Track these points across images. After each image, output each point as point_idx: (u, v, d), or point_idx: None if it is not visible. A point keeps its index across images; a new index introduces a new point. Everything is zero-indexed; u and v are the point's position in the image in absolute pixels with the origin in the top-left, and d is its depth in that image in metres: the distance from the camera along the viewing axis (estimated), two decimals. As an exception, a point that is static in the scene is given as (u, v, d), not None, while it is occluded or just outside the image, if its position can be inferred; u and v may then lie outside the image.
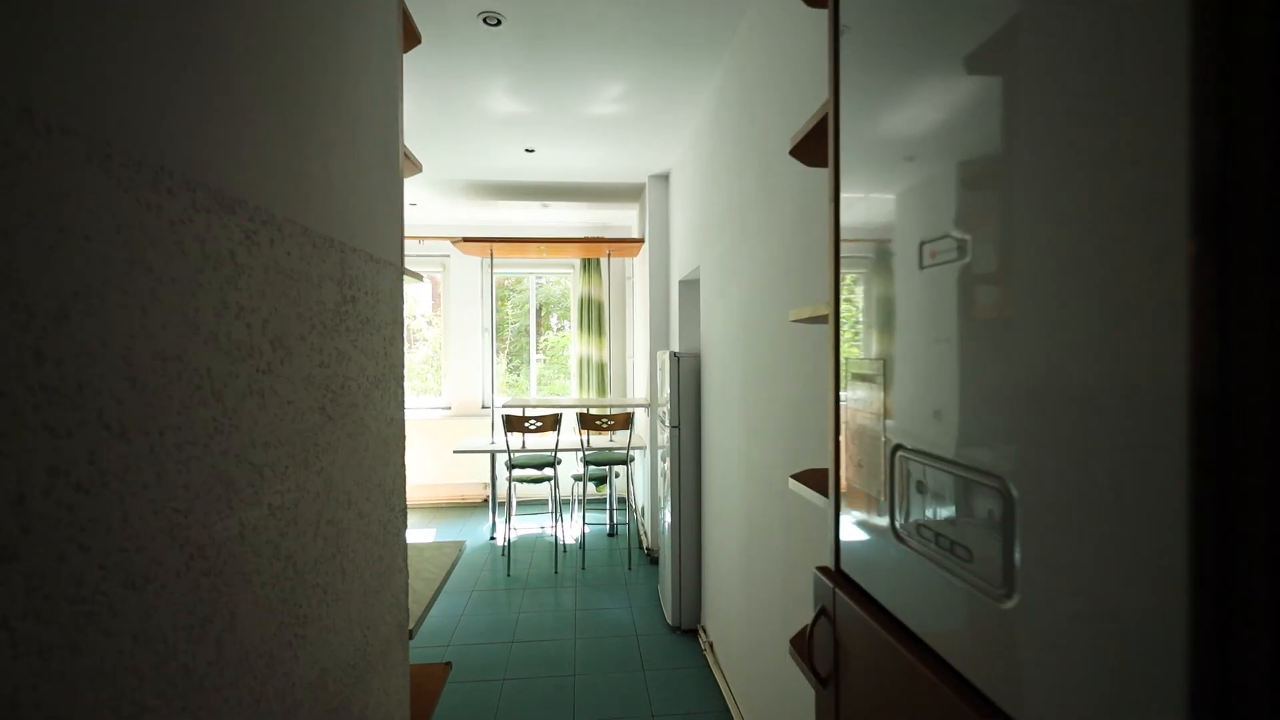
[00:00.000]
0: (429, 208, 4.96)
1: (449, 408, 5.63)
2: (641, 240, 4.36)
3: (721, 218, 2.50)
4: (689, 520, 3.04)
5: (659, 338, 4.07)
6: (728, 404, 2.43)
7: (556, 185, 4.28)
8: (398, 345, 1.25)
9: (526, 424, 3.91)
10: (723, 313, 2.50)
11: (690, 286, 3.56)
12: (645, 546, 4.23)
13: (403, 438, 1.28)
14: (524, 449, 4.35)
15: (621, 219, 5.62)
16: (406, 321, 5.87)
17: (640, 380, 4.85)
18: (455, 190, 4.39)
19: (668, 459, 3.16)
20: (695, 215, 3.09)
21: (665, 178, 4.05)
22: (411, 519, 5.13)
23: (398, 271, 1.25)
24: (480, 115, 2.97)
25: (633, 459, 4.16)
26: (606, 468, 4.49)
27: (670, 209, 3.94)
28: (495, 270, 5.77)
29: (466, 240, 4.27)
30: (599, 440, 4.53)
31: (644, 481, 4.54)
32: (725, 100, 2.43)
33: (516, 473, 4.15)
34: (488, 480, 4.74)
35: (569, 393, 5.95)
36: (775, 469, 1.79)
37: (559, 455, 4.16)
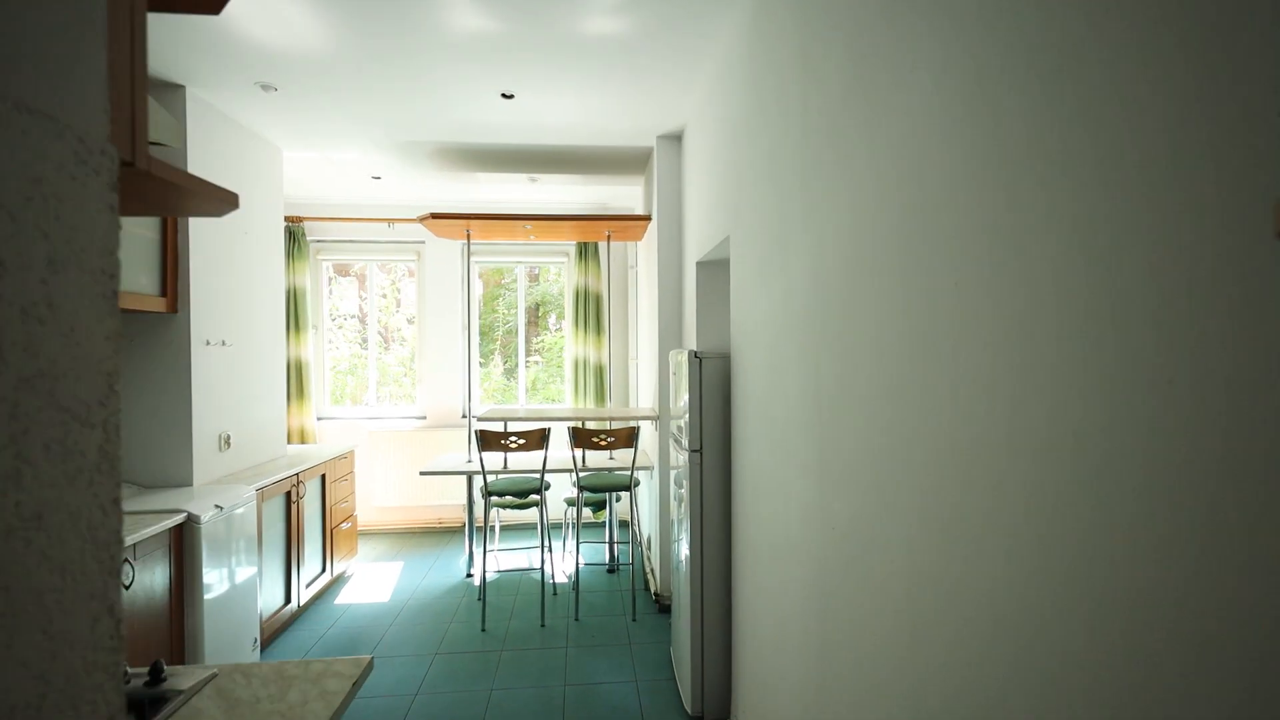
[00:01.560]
0: (395, 183, 4.22)
1: (424, 418, 4.89)
2: (648, 218, 3.63)
3: (769, 162, 1.77)
4: (714, 576, 2.30)
5: (669, 335, 3.34)
6: (778, 423, 1.70)
7: (545, 151, 3.55)
8: (98, 328, 0.52)
9: (506, 442, 3.18)
10: (769, 295, 1.77)
11: (713, 269, 2.83)
12: (654, 590, 3.49)
13: (114, 558, 0.54)
14: (506, 469, 3.61)
15: (623, 199, 4.89)
16: (379, 317, 5.08)
17: (645, 387, 4.11)
18: (422, 157, 3.65)
19: (685, 484, 2.43)
20: (721, 175, 2.36)
21: (678, 138, 3.32)
22: (376, 550, 4.38)
23: (80, 146, 0.51)
24: (438, 34, 2.23)
25: (638, 483, 3.42)
26: (606, 494, 3.75)
27: (684, 175, 3.21)
28: (477, 259, 5.05)
29: (436, 217, 3.53)
30: (596, 458, 3.80)
31: (651, 508, 3.80)
32: (769, 11, 1.70)
33: (496, 499, 3.41)
34: (465, 503, 4.01)
35: (564, 400, 5.22)
36: (891, 544, 1.05)
37: (547, 478, 3.43)
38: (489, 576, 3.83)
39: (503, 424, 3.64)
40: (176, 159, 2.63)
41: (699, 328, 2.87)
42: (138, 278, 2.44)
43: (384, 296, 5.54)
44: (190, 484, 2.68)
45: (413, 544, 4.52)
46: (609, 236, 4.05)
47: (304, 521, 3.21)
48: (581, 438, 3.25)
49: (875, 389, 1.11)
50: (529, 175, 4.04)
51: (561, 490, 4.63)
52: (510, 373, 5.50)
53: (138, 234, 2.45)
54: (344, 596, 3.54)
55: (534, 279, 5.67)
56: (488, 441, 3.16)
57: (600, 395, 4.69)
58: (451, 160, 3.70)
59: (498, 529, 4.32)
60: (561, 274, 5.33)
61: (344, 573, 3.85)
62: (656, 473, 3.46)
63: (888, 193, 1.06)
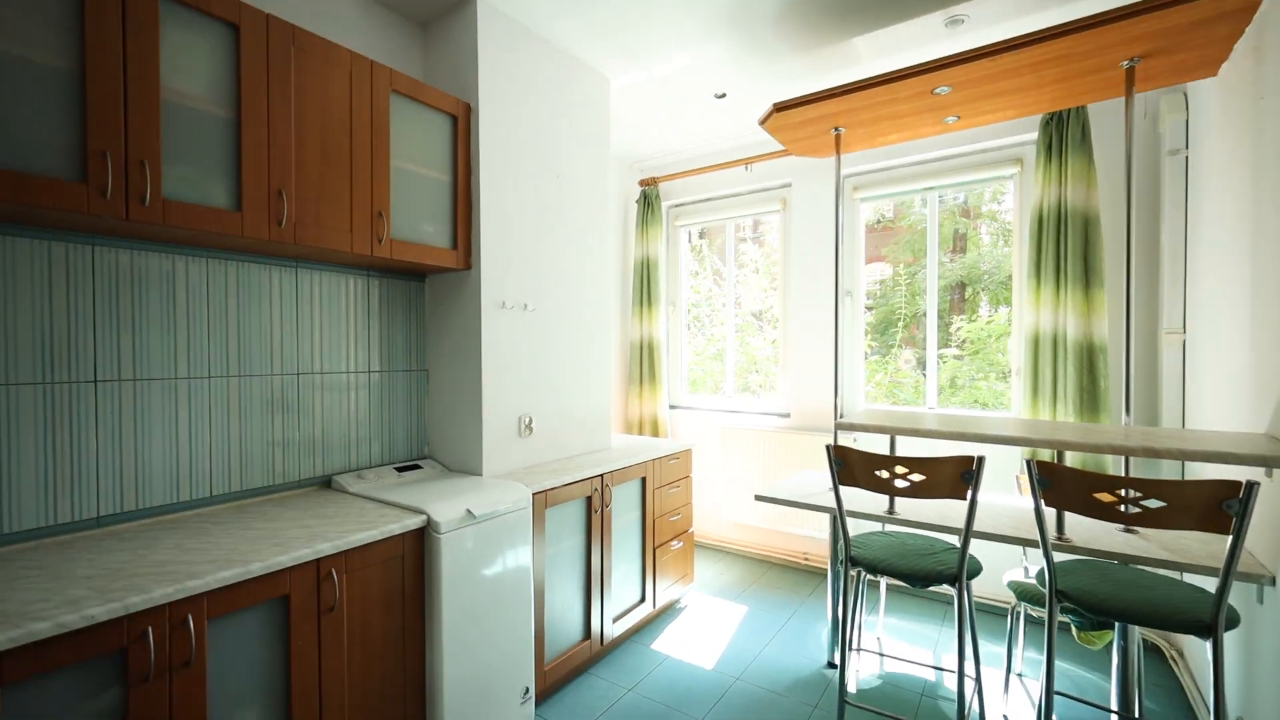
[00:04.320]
0: (744, 97, 3.14)
1: (787, 415, 3.74)
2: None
3: None
4: None
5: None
6: None
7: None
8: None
9: (887, 474, 1.69)
10: None
11: None
12: None
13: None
14: (891, 513, 2.10)
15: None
16: (754, 295, 3.81)
17: (1219, 389, 1.89)
18: (766, 26, 2.45)
19: None
20: None
21: None
22: (724, 576, 3.46)
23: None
24: None
25: (1235, 621, 1.38)
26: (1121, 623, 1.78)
27: None
28: (861, 194, 3.55)
29: (781, 108, 2.29)
30: (1105, 535, 1.86)
31: (1257, 667, 1.64)
32: None
33: (869, 575, 1.96)
34: (830, 547, 2.65)
35: (1009, 406, 3.24)
36: None
37: (970, 551, 1.76)
38: (861, 679, 2.38)
39: (890, 439, 2.13)
40: (466, 90, 2.20)
41: None
42: (422, 225, 2.07)
43: (756, 271, 4.63)
44: (480, 473, 2.24)
45: (768, 579, 3.43)
46: (1132, 70, 1.98)
47: (609, 537, 2.49)
48: (1068, 488, 1.47)
49: None
50: (946, 14, 2.36)
51: (999, 564, 2.80)
52: (921, 365, 3.77)
53: (426, 175, 2.08)
54: (664, 640, 2.71)
55: (959, 249, 3.79)
56: (850, 468, 1.75)
57: (1093, 402, 2.55)
58: (811, 14, 2.39)
59: (883, 591, 2.80)
60: (1004, 206, 3.30)
61: (675, 603, 3.05)
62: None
63: None
